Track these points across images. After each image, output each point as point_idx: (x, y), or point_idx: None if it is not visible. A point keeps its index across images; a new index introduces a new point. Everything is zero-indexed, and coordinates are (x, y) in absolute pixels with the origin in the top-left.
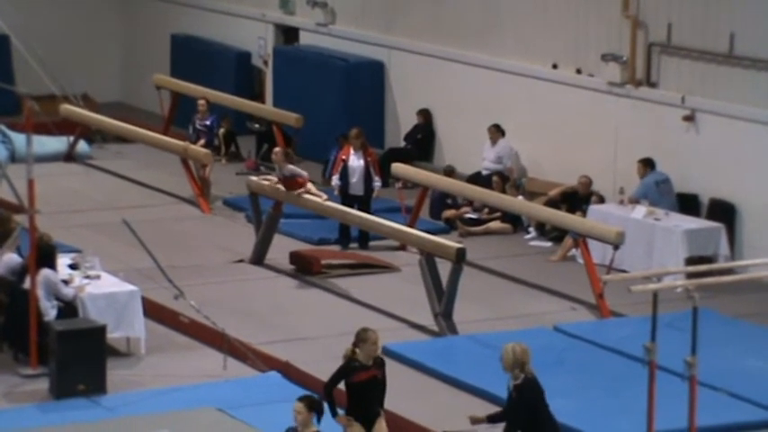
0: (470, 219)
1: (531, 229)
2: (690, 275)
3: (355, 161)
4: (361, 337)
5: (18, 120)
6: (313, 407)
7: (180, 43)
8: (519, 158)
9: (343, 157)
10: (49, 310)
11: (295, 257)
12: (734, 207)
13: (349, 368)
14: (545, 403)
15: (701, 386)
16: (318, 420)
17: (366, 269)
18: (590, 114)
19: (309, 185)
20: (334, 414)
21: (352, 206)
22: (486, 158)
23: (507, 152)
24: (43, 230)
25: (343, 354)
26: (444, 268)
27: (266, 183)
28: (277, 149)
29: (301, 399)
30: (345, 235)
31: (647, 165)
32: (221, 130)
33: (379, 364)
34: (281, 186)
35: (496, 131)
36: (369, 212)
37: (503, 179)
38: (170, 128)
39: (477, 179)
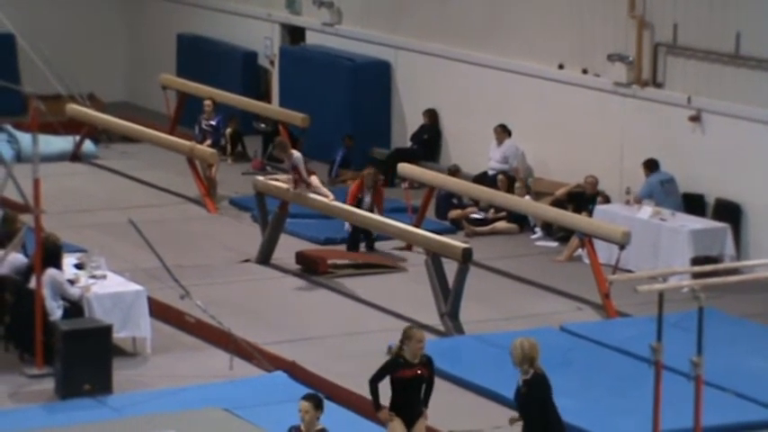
0: (476, 219)
1: (537, 229)
2: (696, 275)
3: (366, 199)
4: (407, 335)
5: (24, 119)
6: (320, 405)
7: (186, 43)
8: (525, 158)
9: (359, 195)
10: (55, 310)
11: (301, 257)
12: (740, 207)
13: (394, 364)
14: (553, 400)
15: (706, 386)
16: (318, 418)
17: (372, 269)
18: (596, 114)
19: (314, 178)
20: (378, 408)
21: (359, 236)
22: (492, 158)
23: (513, 152)
24: (49, 230)
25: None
26: (450, 268)
27: (280, 184)
28: (277, 144)
29: (307, 398)
30: (354, 243)
31: (651, 166)
32: (228, 130)
33: (425, 362)
34: (293, 184)
35: (503, 132)
36: (373, 243)
37: (509, 179)
38: (176, 128)
39: (483, 179)
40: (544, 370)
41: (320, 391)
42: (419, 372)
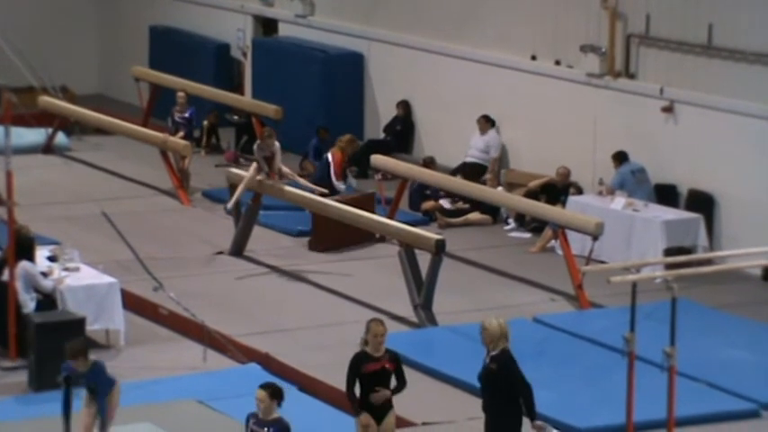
0: (447, 209)
1: (510, 220)
2: (669, 266)
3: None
4: (366, 327)
5: None
6: (275, 395)
7: (159, 35)
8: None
9: (344, 164)
10: (28, 303)
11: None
12: (712, 198)
13: (358, 360)
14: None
15: (679, 376)
16: (279, 405)
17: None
18: (569, 106)
19: (285, 169)
20: (358, 412)
21: None
22: (472, 147)
23: (496, 143)
24: (22, 222)
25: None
26: (424, 259)
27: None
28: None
29: (264, 387)
30: None
31: (620, 158)
32: (205, 123)
33: (391, 357)
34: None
35: (486, 122)
36: None
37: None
38: (149, 120)
39: (463, 168)
40: None
41: (294, 383)
42: (385, 366)
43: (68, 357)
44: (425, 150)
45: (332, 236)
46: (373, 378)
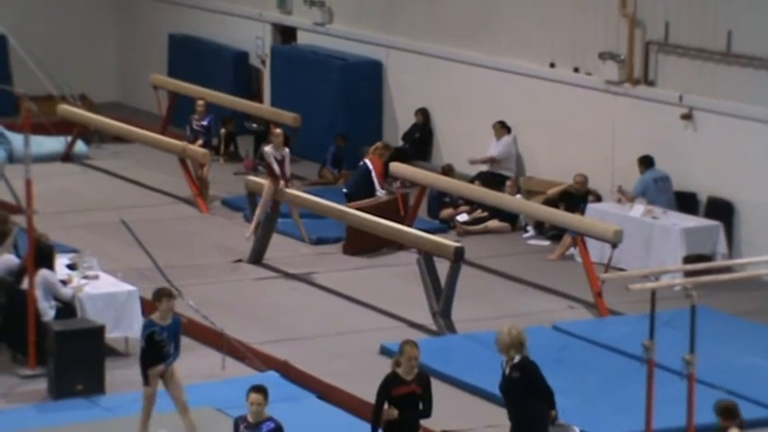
0: (464, 220)
1: (529, 227)
2: (688, 274)
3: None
4: (400, 350)
5: (16, 120)
6: (267, 396)
7: (177, 43)
8: (519, 156)
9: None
10: (48, 311)
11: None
12: (732, 205)
13: (388, 382)
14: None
15: (699, 384)
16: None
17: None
18: (588, 113)
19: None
20: None
21: None
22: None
23: (504, 149)
24: (41, 231)
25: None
26: (443, 267)
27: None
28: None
29: (258, 390)
30: None
31: (645, 162)
32: (223, 131)
33: (420, 380)
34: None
35: (501, 128)
36: None
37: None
38: (168, 128)
39: (481, 177)
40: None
41: (313, 391)
42: (413, 389)
43: (160, 298)
44: (444, 158)
45: (366, 239)
46: (401, 401)
